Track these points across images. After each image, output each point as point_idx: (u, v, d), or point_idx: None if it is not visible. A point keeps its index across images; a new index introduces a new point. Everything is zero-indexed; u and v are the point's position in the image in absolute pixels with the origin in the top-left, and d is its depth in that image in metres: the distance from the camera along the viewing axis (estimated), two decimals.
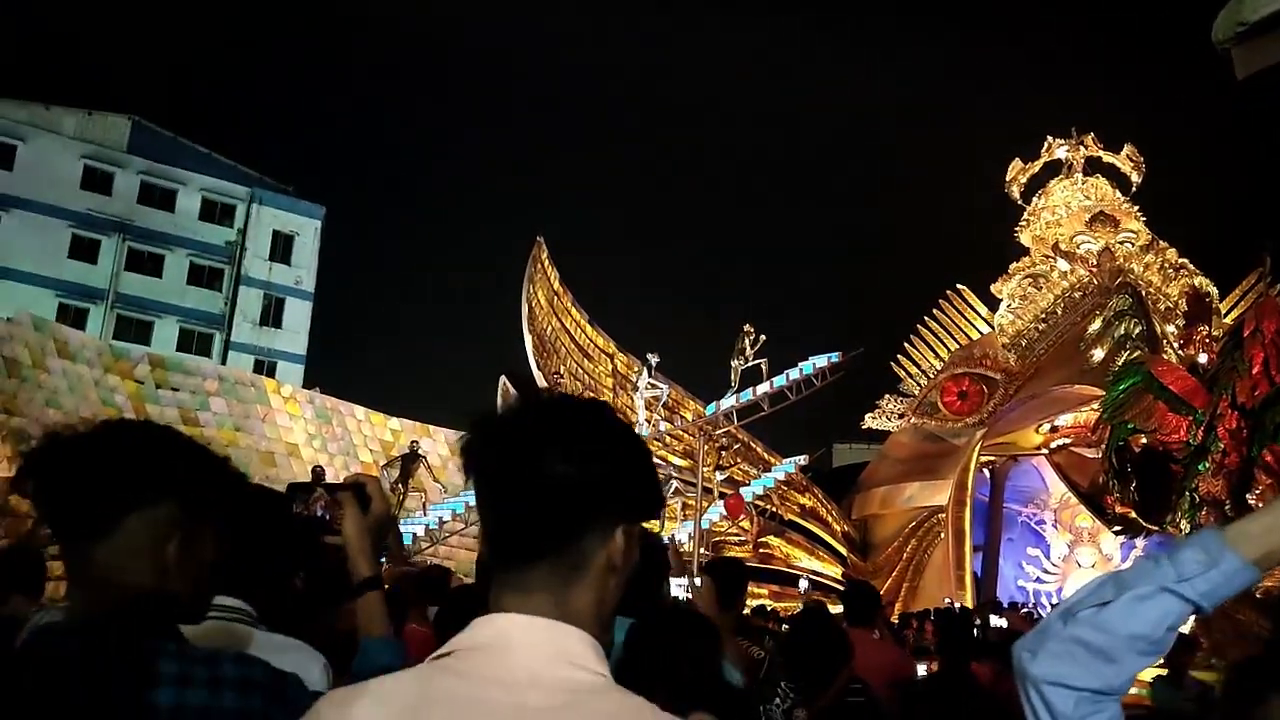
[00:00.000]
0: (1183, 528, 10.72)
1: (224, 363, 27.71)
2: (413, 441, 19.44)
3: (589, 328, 20.33)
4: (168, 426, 1.47)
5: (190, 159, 32.08)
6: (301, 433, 19.85)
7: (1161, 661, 7.13)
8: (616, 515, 1.10)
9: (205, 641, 1.42)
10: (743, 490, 19.69)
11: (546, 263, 20.17)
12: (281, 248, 33.00)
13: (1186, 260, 18.75)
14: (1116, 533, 14.60)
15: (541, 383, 19.59)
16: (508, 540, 1.10)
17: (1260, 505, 7.32)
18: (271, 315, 32.40)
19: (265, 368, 29.52)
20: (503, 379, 19.53)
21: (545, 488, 1.06)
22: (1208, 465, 10.32)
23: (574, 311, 20.22)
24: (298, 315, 33.05)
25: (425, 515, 18.38)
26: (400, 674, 1.10)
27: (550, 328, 19.97)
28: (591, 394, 20.02)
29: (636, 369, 19.45)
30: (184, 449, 1.42)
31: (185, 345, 29.95)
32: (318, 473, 16.63)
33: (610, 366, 20.28)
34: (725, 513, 18.35)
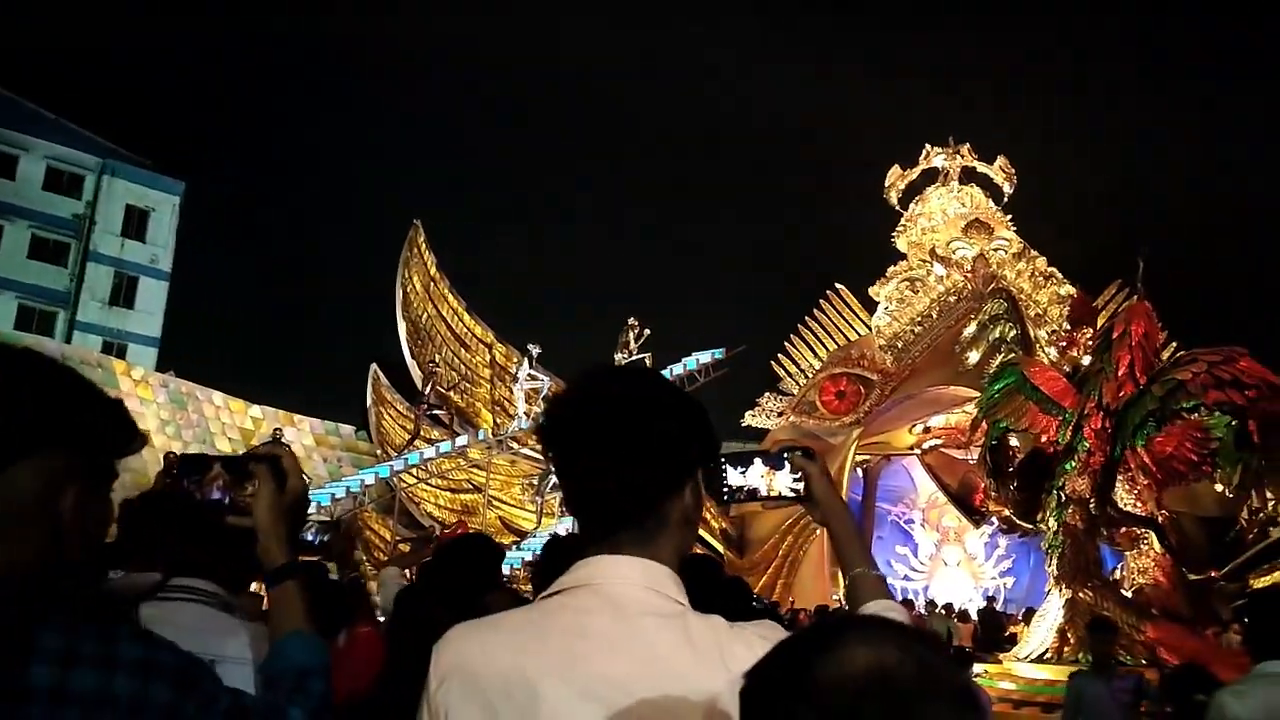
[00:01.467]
0: (1051, 525, 10.92)
1: (68, 343, 25.78)
2: (275, 430, 18.41)
3: (466, 316, 19.66)
4: (55, 360, 1.22)
5: (35, 124, 29.68)
6: (154, 419, 18.53)
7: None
8: (686, 476, 1.25)
9: (193, 630, 1.40)
10: None
11: (423, 247, 19.40)
12: (136, 223, 30.87)
13: (1055, 269, 19.42)
14: (1004, 531, 14.93)
15: (415, 372, 18.86)
16: (595, 510, 1.24)
17: (1137, 505, 7.32)
18: (123, 295, 30.28)
19: (115, 350, 27.57)
20: (374, 368, 18.72)
21: (626, 463, 1.19)
22: (1074, 465, 10.53)
23: (451, 298, 19.52)
24: (152, 295, 31.00)
25: None
26: (516, 610, 1.27)
27: (426, 315, 19.22)
28: (467, 384, 19.48)
29: (516, 360, 18.91)
30: (76, 388, 1.21)
31: (25, 324, 27.70)
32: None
33: (488, 356, 19.67)
34: None
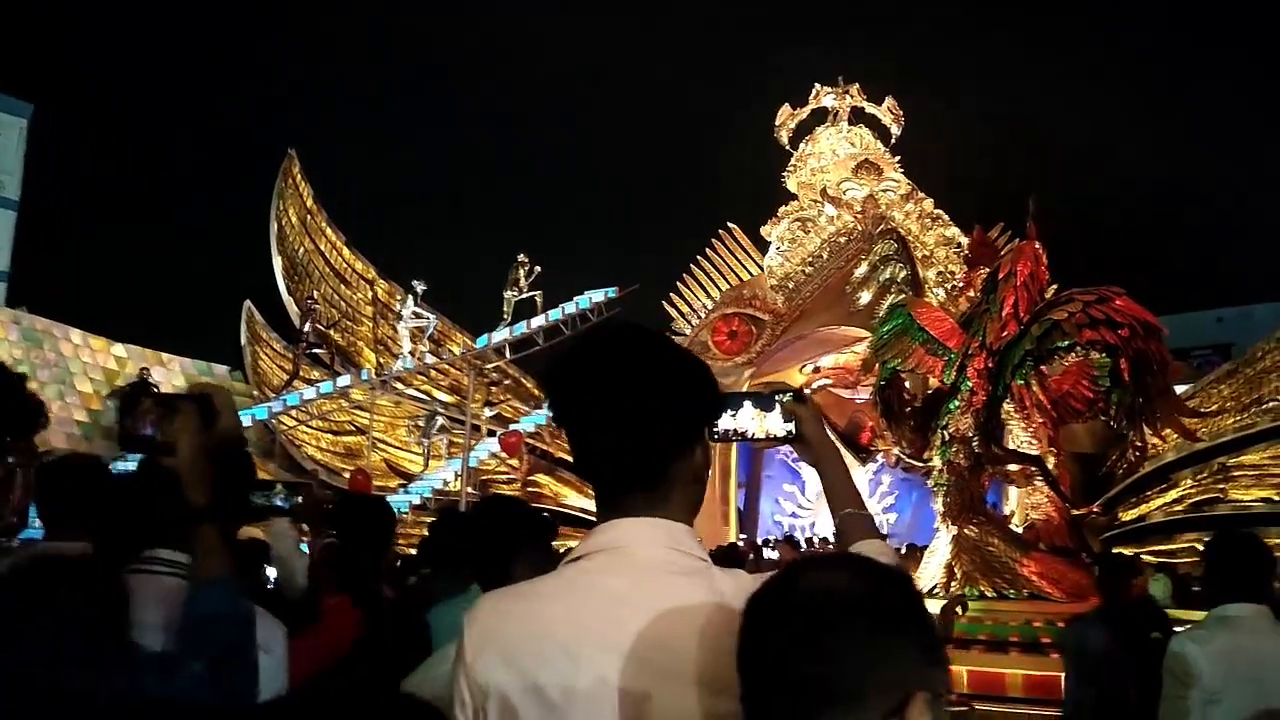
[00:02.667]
0: (937, 464, 11.09)
1: None
2: (142, 369, 17.33)
3: (346, 251, 18.79)
4: None
5: None
6: (5, 357, 17.18)
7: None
8: (696, 433, 1.31)
9: (162, 601, 1.45)
10: (513, 428, 19.06)
11: (299, 178, 18.39)
12: None
13: (942, 211, 19.70)
14: (905, 470, 15.25)
15: (293, 309, 17.98)
16: (609, 474, 1.29)
17: (1033, 442, 7.25)
18: None
19: None
20: (248, 304, 17.79)
21: (637, 425, 1.23)
22: (958, 404, 10.67)
23: (329, 232, 18.60)
24: None
25: None
26: (545, 577, 1.29)
27: (302, 249, 18.29)
28: (349, 321, 18.71)
29: (400, 297, 18.20)
30: None
31: None
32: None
33: (370, 294, 18.90)
34: (500, 450, 17.66)
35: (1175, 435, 9.97)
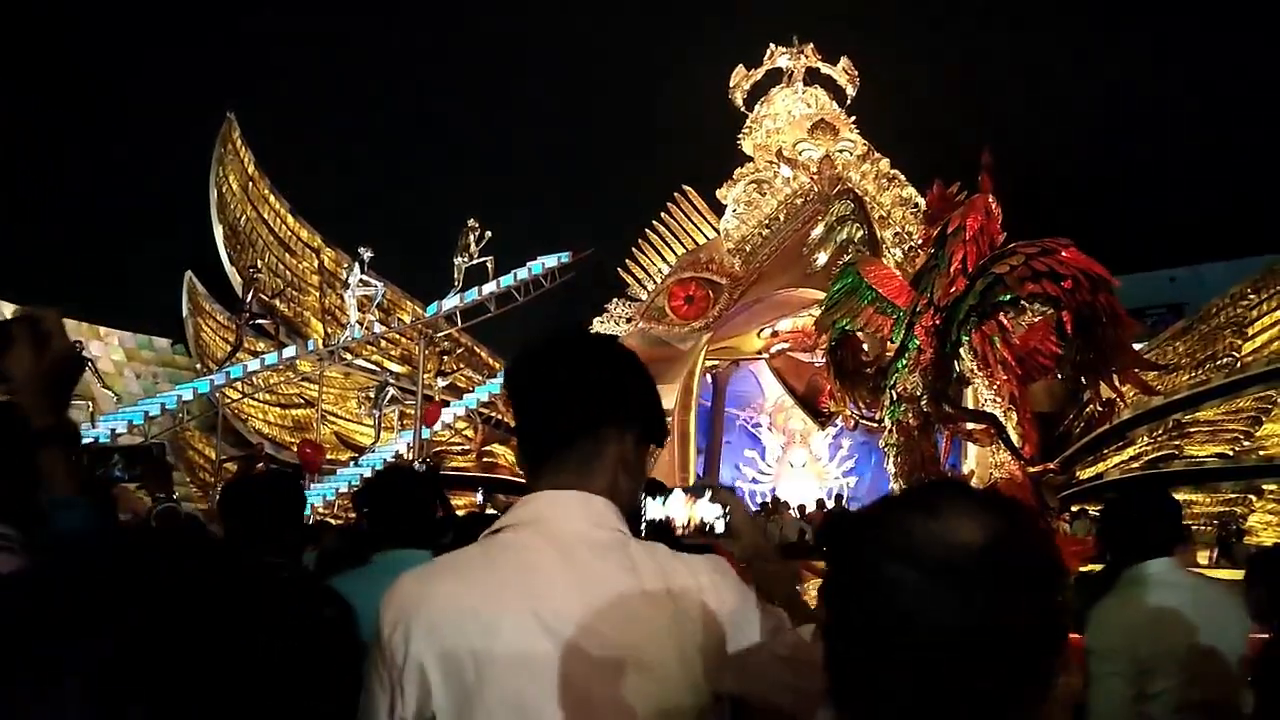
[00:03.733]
0: (886, 423, 10.90)
1: None
2: (76, 342, 16.74)
3: (290, 219, 18.25)
4: None
5: None
6: None
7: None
8: (624, 423, 1.36)
9: None
10: (467, 397, 18.71)
11: (239, 143, 17.80)
12: None
13: (898, 172, 19.46)
14: (862, 427, 15.05)
15: (235, 280, 17.46)
16: (540, 433, 1.36)
17: (997, 399, 6.93)
18: None
19: None
20: (189, 275, 17.27)
21: (567, 389, 1.33)
22: (905, 362, 10.44)
23: (272, 200, 18.05)
24: None
25: (95, 427, 15.96)
26: (466, 549, 1.32)
27: (245, 217, 17.73)
28: (294, 291, 18.20)
29: (347, 265, 17.70)
30: None
31: None
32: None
33: (316, 262, 18.39)
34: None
35: (1132, 391, 9.73)
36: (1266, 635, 2.72)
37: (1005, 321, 8.88)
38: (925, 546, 0.82)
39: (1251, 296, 14.68)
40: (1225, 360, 14.63)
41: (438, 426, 17.64)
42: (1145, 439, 15.66)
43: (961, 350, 9.46)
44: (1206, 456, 14.80)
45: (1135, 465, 15.84)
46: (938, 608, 0.81)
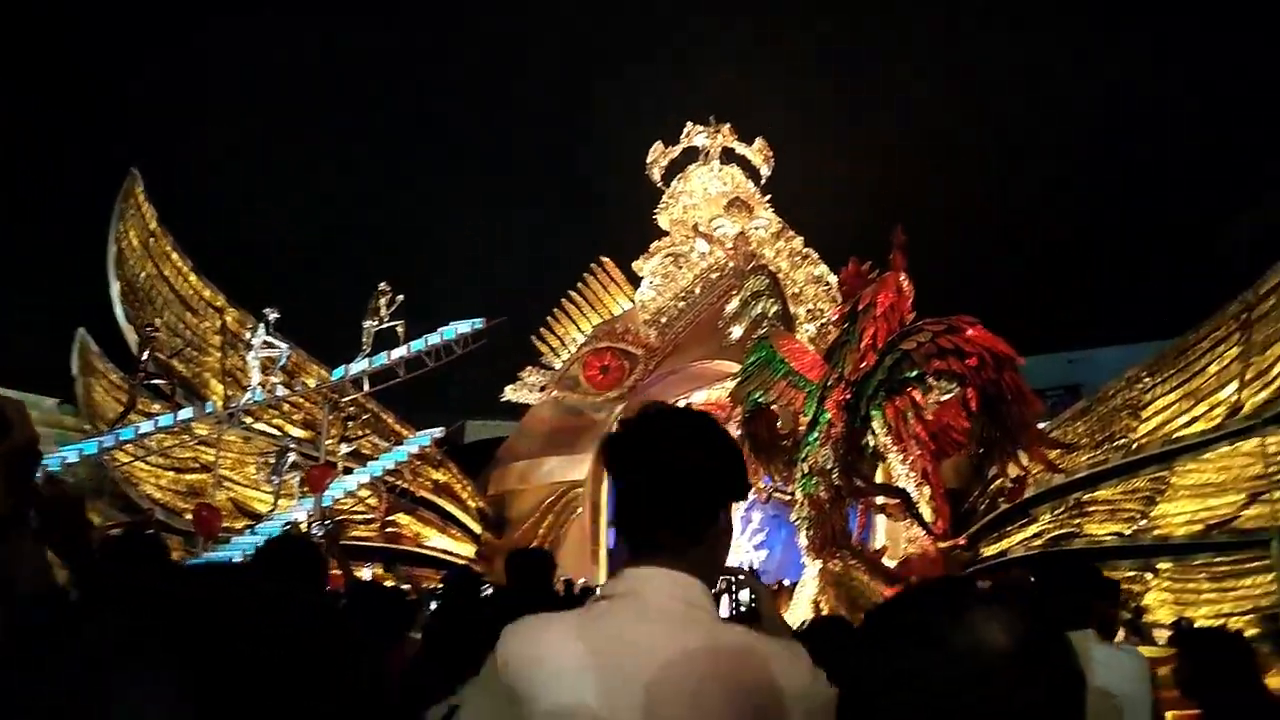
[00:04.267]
0: (798, 497, 10.86)
1: None
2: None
3: (193, 277, 17.62)
4: None
5: None
6: None
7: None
8: (723, 503, 1.48)
9: None
10: (372, 464, 18.14)
11: (142, 199, 17.21)
12: None
13: (811, 250, 19.88)
14: (766, 501, 14.95)
15: (131, 336, 16.72)
16: (647, 513, 1.44)
17: (910, 474, 6.90)
18: None
19: None
20: (81, 333, 16.48)
21: (680, 492, 1.41)
22: (816, 436, 10.47)
23: (175, 257, 17.43)
24: None
25: None
26: (567, 614, 1.42)
27: (144, 274, 17.06)
28: (195, 351, 17.49)
29: (251, 326, 17.13)
30: None
31: None
32: None
33: (219, 322, 17.74)
34: (310, 486, 16.72)
35: (1037, 468, 9.89)
36: (1198, 711, 2.69)
37: (918, 398, 8.97)
38: (956, 645, 0.85)
39: (1146, 379, 15.22)
40: (1121, 441, 15.07)
41: (335, 492, 17.01)
42: (1048, 517, 15.95)
43: (874, 424, 9.52)
44: (1104, 535, 15.13)
45: (1038, 543, 16.10)
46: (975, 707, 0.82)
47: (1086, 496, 15.17)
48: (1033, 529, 16.34)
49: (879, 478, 10.89)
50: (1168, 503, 14.62)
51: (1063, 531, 15.83)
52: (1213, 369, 14.55)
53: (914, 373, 8.74)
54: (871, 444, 9.77)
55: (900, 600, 0.93)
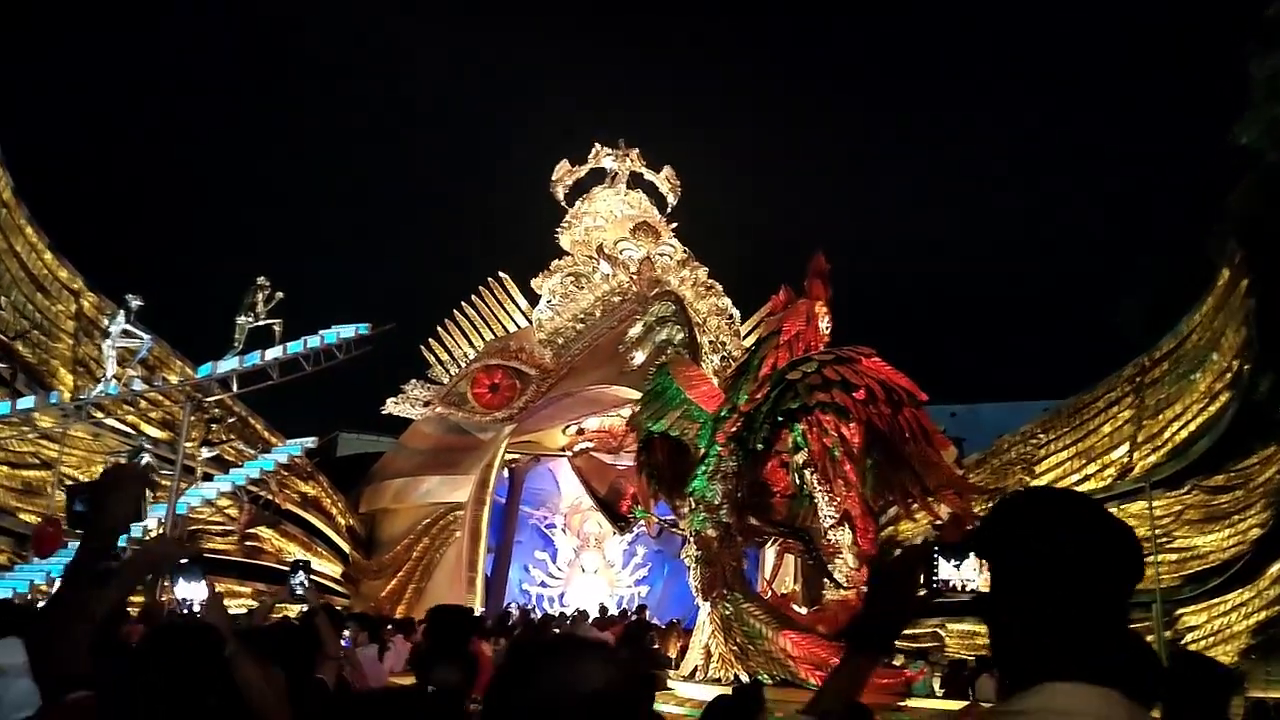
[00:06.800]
0: (689, 532, 10.26)
1: None
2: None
3: (49, 255, 16.12)
4: None
5: None
6: None
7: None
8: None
9: None
10: (234, 472, 16.84)
11: None
12: None
13: (715, 281, 19.52)
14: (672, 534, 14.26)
15: None
16: (1075, 637, 1.33)
17: (835, 515, 6.42)
18: None
19: None
20: None
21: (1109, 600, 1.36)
22: (705, 470, 9.88)
23: (29, 231, 15.92)
24: None
25: None
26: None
27: None
28: (41, 335, 15.95)
29: (110, 312, 15.72)
30: None
31: None
32: None
33: (74, 306, 16.28)
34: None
35: (922, 516, 9.40)
36: None
37: (848, 433, 8.38)
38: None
39: (1040, 435, 15.29)
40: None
41: (193, 500, 15.71)
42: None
43: (800, 458, 8.91)
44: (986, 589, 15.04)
45: (922, 593, 15.94)
46: None
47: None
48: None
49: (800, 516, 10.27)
50: None
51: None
52: (1106, 429, 14.70)
53: (797, 404, 8.17)
54: (799, 482, 9.18)
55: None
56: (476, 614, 17.86)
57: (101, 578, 1.88)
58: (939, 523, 8.96)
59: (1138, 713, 1.32)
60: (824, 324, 9.74)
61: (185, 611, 2.81)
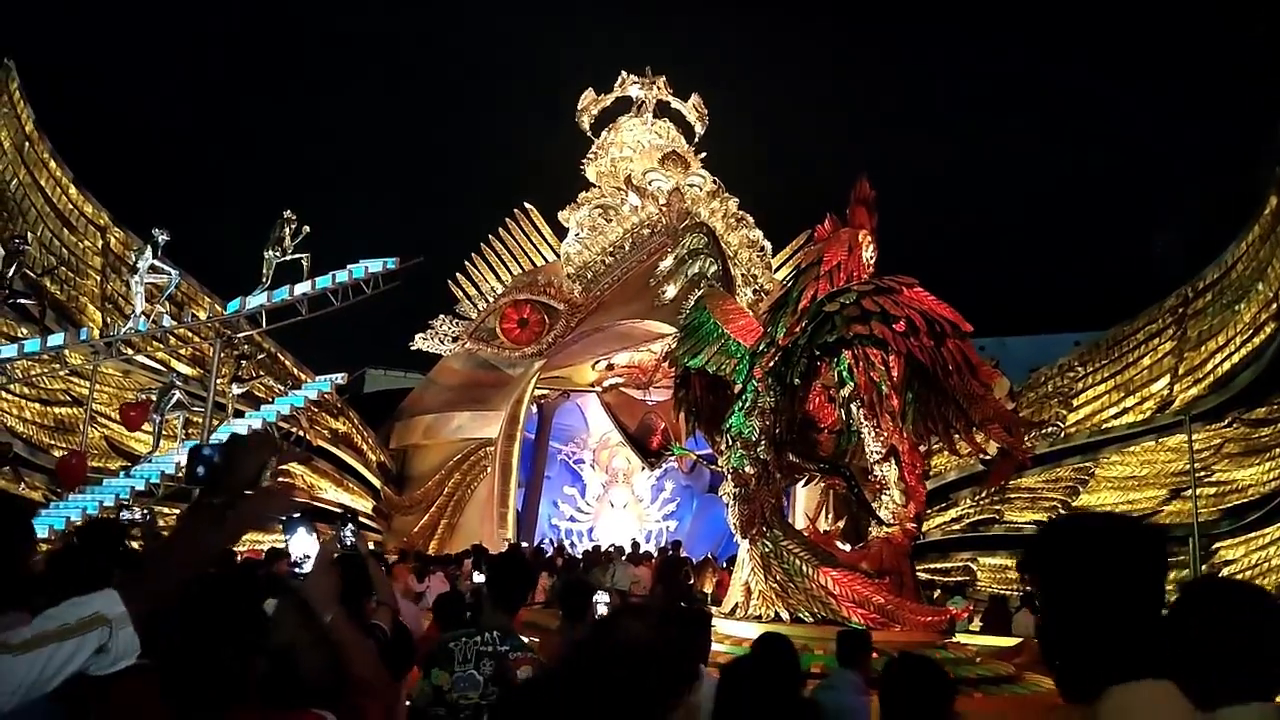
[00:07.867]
0: (726, 469, 10.06)
1: None
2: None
3: (73, 190, 15.95)
4: None
5: None
6: None
7: None
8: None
9: None
10: (265, 408, 16.82)
11: (18, 97, 15.43)
12: None
13: (746, 213, 19.11)
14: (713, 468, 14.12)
15: None
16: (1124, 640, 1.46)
17: (881, 452, 6.18)
18: None
19: None
20: None
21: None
22: (742, 406, 9.64)
23: (53, 165, 15.74)
24: None
25: None
26: None
27: (16, 181, 15.36)
28: (70, 271, 15.87)
29: (137, 248, 15.57)
30: None
31: None
32: None
33: (101, 242, 16.15)
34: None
35: (966, 451, 9.08)
36: None
37: (893, 366, 8.07)
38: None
39: (1078, 369, 14.96)
40: (1050, 430, 14.79)
41: (224, 436, 15.69)
42: (968, 501, 15.65)
43: (846, 391, 8.63)
44: (1024, 523, 14.87)
45: (956, 527, 15.81)
46: None
47: (1010, 483, 14.85)
48: (952, 513, 16.03)
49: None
50: (1090, 494, 14.42)
51: (983, 517, 15.55)
52: (1146, 361, 14.35)
53: (833, 337, 7.84)
54: (845, 417, 8.90)
55: None
56: (541, 550, 17.92)
57: (213, 522, 1.87)
58: (985, 457, 8.67)
59: (1188, 702, 1.44)
60: (867, 253, 9.36)
61: (298, 572, 2.70)
